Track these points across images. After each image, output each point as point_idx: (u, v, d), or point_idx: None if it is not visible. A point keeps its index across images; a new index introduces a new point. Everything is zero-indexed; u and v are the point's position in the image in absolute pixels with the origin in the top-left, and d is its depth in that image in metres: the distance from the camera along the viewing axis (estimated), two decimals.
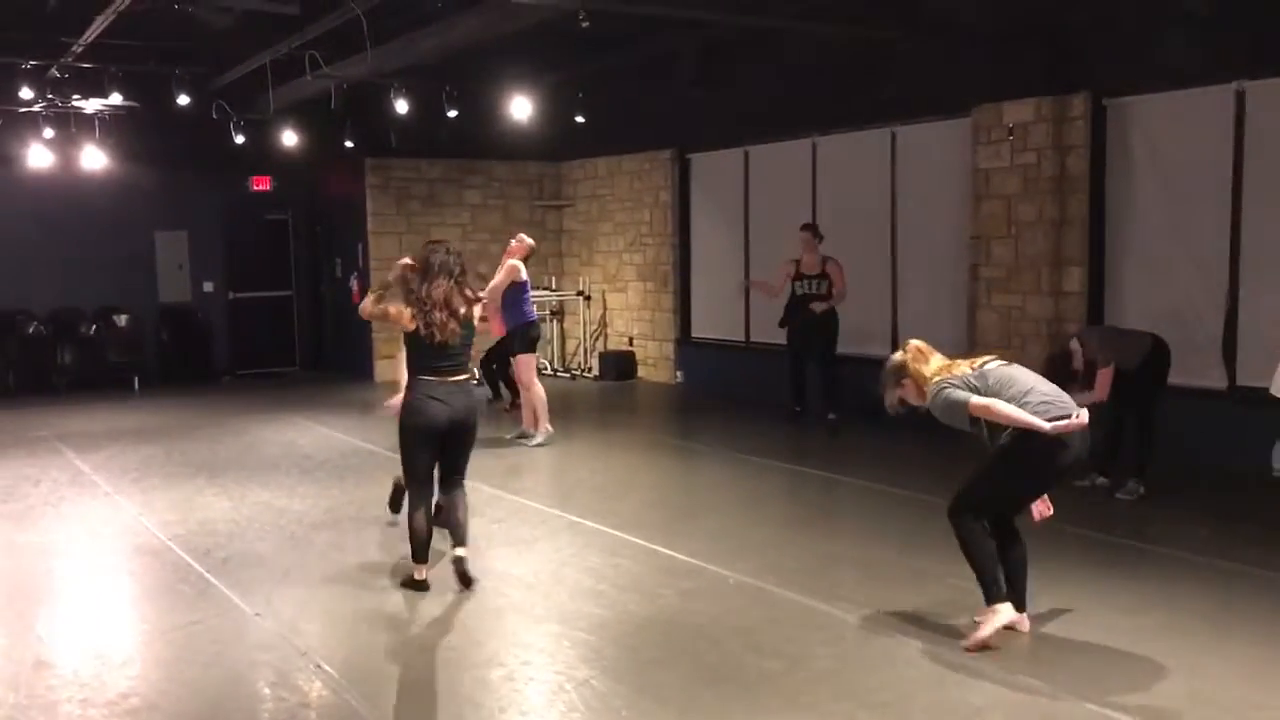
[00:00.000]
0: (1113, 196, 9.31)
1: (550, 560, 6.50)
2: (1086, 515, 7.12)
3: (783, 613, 5.49)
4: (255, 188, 16.01)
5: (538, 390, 9.90)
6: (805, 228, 10.76)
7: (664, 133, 13.85)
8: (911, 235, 11.13)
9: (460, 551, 5.85)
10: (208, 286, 15.88)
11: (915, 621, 5.25)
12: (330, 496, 8.18)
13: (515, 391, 10.89)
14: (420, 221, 15.17)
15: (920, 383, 5.13)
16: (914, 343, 5.30)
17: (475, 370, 11.50)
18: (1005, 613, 4.96)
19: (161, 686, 4.76)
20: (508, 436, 10.13)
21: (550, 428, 9.90)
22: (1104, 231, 9.37)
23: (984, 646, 4.88)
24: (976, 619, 5.02)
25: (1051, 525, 5.43)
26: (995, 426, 5.04)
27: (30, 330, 14.56)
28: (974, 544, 5.04)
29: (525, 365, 9.92)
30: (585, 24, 7.93)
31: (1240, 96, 8.41)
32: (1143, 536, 6.74)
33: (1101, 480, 7.85)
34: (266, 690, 4.72)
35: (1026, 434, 4.88)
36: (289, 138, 13.27)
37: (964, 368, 5.13)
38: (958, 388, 5.00)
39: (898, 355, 5.26)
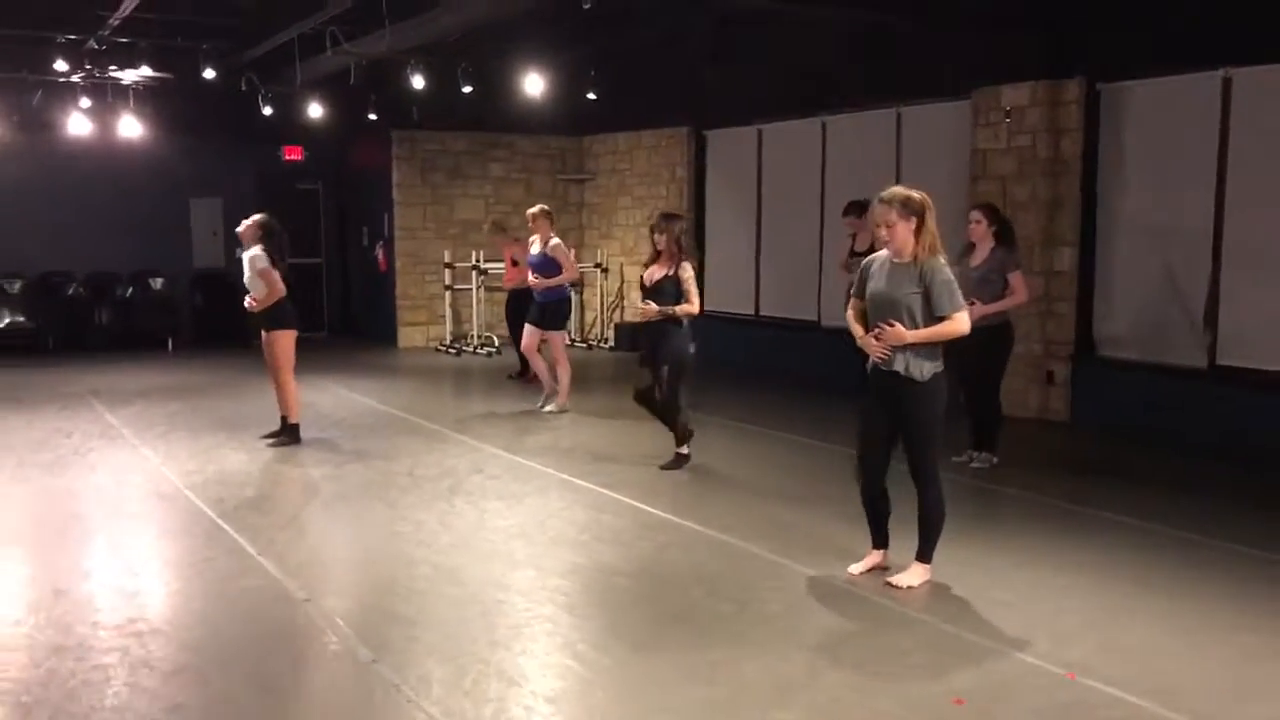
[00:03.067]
0: (1104, 179, 9.55)
1: (537, 513, 6.91)
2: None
3: (743, 565, 5.87)
4: (287, 158, 16.52)
5: (566, 365, 10.33)
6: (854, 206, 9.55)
7: (681, 109, 14.17)
8: None
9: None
10: (240, 252, 16.41)
11: (867, 576, 5.60)
12: (340, 452, 8.66)
13: (526, 361, 11.31)
14: (444, 193, 15.64)
15: (924, 239, 5.17)
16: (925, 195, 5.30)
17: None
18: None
19: (167, 614, 5.24)
20: (541, 408, 10.46)
21: (568, 404, 10.28)
22: (1095, 213, 9.61)
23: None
24: (906, 581, 5.42)
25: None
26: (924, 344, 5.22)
27: (69, 291, 15.20)
28: (944, 506, 5.43)
29: (559, 342, 10.35)
30: (587, 5, 8.26)
31: (1227, 83, 8.62)
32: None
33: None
34: (263, 620, 5.17)
35: (943, 366, 5.33)
36: (315, 110, 13.73)
37: None
38: (957, 284, 5.26)
39: (915, 192, 5.23)
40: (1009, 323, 7.81)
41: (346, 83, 12.93)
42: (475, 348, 14.79)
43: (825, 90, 11.99)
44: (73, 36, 11.74)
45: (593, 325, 16.14)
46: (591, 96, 13.55)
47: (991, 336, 7.55)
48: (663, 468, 7.93)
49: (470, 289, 15.04)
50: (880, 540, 5.68)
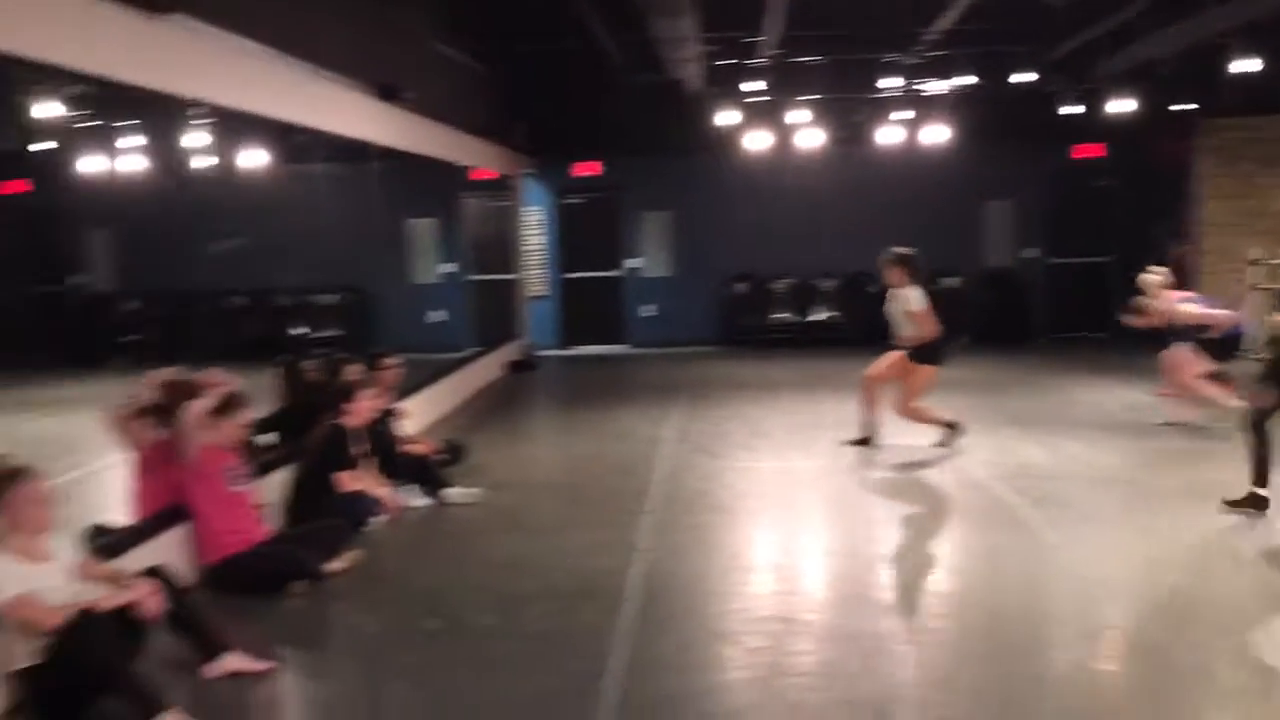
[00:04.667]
0: None
1: None
2: None
3: None
4: (1080, 156, 16.29)
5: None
6: None
7: None
8: None
9: None
10: (1029, 252, 16.61)
11: None
12: (1131, 454, 8.44)
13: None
14: (1254, 185, 14.27)
15: None
16: None
17: None
18: None
19: (973, 588, 5.64)
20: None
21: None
22: None
23: None
24: None
25: None
26: None
27: (871, 289, 16.61)
28: None
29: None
30: None
31: None
32: None
33: None
34: (1055, 607, 5.31)
35: None
36: (1121, 104, 13.31)
37: None
38: None
39: None
40: None
41: (1150, 73, 12.39)
42: None
43: None
44: (893, 57, 12.78)
45: None
46: None
47: None
48: (1228, 501, 6.63)
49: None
50: None
